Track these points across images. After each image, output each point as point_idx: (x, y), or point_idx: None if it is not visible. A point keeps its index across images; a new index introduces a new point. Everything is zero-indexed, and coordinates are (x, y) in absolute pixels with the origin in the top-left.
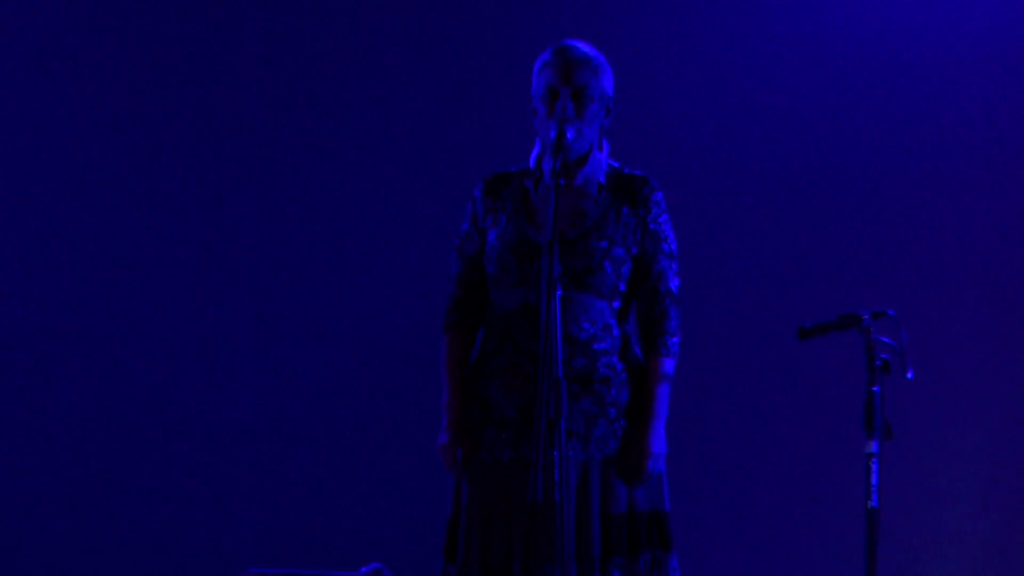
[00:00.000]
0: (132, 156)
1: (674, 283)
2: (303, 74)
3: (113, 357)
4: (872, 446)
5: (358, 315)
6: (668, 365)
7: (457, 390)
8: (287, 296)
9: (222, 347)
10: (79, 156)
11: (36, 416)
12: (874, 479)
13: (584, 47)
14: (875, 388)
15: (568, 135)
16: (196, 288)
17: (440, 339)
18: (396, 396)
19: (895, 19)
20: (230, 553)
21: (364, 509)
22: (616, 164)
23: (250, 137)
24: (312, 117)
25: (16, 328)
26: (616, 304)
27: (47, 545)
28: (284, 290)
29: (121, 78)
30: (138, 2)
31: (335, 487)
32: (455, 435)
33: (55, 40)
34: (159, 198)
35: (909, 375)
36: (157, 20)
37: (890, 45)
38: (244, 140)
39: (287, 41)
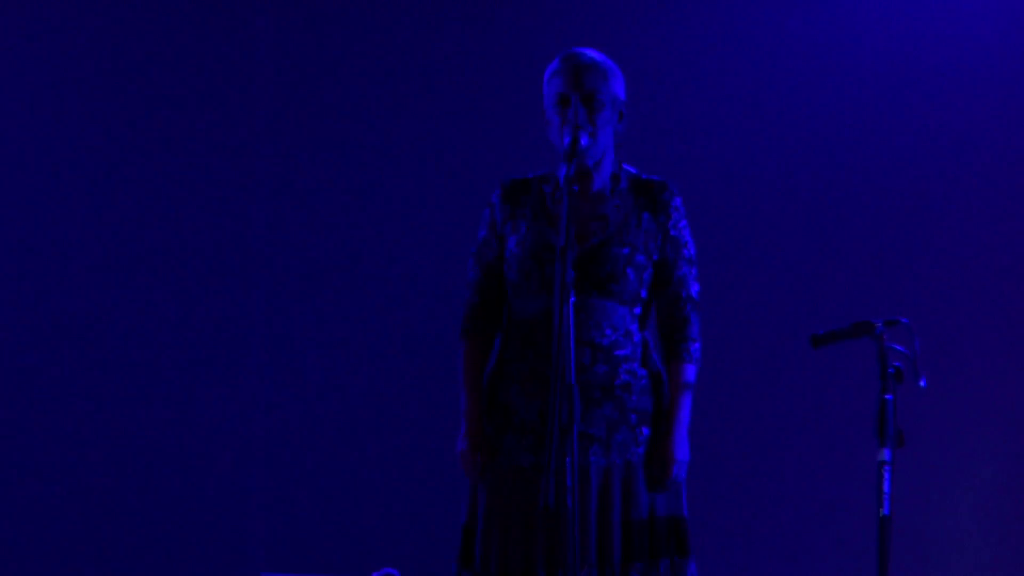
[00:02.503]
0: (147, 158)
1: (694, 288)
2: (317, 80)
3: (127, 360)
4: (884, 454)
5: (373, 320)
6: (691, 371)
7: (476, 397)
8: (302, 300)
9: (235, 351)
10: (90, 156)
11: (47, 419)
12: (886, 487)
13: (592, 53)
14: (888, 396)
15: (582, 141)
16: (210, 290)
17: (457, 346)
18: (409, 401)
19: (909, 31)
20: (243, 558)
21: (377, 514)
22: (633, 170)
23: (263, 141)
24: (326, 121)
25: (26, 330)
26: (637, 310)
27: (57, 548)
28: (298, 293)
29: (138, 80)
30: (156, 6)
31: (347, 492)
32: (475, 442)
33: (62, 41)
34: (174, 204)
35: (922, 383)
36: (178, 28)
37: (903, 56)
38: (257, 144)
39: (299, 48)
